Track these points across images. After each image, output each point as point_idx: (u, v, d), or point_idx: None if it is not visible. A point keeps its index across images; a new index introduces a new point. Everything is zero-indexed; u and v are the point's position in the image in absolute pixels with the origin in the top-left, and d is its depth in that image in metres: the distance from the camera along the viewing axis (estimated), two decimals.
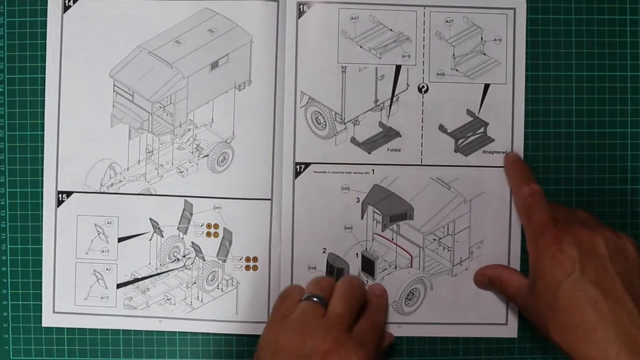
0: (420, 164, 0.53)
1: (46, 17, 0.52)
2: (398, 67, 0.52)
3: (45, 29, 0.53)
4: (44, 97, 0.53)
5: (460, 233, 0.53)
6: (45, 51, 0.52)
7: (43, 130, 0.53)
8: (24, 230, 0.53)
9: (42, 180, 0.53)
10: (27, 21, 0.53)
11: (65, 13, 0.52)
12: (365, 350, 0.45)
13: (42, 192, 0.53)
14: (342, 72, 0.52)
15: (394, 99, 0.53)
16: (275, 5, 0.52)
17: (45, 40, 0.53)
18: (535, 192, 0.49)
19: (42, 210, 0.53)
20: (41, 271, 0.53)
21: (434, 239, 0.53)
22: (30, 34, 0.53)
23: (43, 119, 0.53)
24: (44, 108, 0.53)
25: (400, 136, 0.52)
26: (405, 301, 0.53)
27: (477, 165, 0.53)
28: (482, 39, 0.53)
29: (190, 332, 0.53)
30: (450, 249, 0.53)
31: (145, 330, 0.53)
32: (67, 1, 0.52)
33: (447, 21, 0.53)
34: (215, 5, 0.52)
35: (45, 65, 0.53)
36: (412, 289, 0.53)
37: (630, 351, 0.42)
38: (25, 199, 0.53)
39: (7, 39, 0.53)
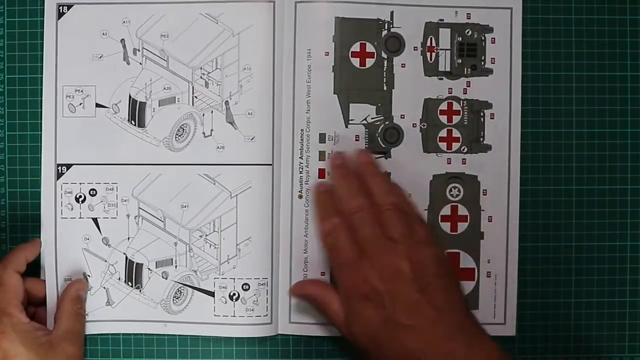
0: None
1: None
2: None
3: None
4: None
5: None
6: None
7: (42, 131, 0.53)
8: (24, 230, 0.53)
9: (41, 180, 0.53)
10: (27, 21, 0.52)
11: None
12: None
13: (40, 191, 0.53)
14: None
15: None
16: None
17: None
18: (335, 228, 0.47)
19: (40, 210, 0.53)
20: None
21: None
22: (30, 34, 0.52)
23: (42, 119, 0.52)
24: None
25: None
26: None
27: None
28: None
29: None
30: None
31: None
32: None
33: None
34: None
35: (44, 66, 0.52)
36: None
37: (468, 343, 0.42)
38: (25, 199, 0.53)
39: (7, 39, 0.53)
